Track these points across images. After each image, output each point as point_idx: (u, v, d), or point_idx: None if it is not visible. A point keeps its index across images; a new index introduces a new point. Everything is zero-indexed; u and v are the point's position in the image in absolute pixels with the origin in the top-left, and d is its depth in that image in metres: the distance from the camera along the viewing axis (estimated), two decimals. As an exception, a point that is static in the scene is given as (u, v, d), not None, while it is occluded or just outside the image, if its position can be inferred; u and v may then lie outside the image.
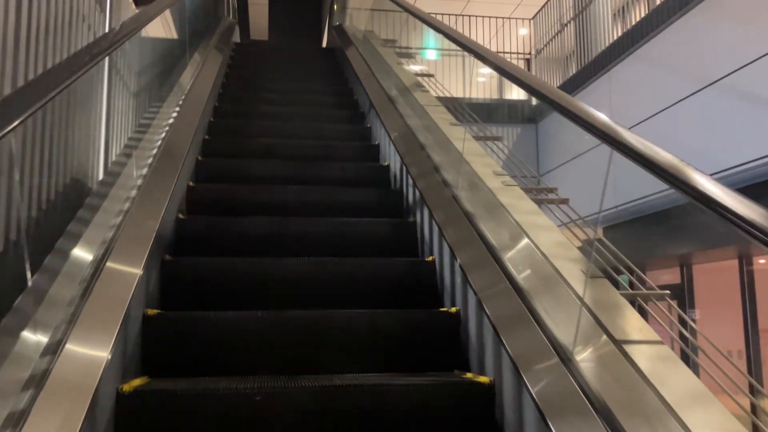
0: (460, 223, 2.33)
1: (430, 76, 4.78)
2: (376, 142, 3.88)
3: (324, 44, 10.34)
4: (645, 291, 1.88)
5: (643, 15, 7.05)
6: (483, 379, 1.87)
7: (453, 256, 2.24)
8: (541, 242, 2.07)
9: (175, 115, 3.12)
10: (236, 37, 7.24)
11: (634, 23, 7.10)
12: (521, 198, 2.47)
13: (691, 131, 5.88)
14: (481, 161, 2.86)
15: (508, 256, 2.04)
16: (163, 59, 3.62)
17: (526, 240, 2.11)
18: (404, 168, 3.14)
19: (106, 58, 3.02)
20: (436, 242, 2.51)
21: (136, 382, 1.76)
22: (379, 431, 1.76)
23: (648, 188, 6.49)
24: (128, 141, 2.91)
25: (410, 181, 3.00)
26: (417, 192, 2.85)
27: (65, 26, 2.56)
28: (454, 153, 2.96)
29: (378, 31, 7.27)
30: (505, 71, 2.36)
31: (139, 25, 2.73)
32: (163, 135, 2.88)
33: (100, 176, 2.84)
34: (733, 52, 5.38)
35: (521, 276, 1.91)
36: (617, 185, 7.23)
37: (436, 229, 2.49)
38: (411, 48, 7.93)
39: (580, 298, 1.63)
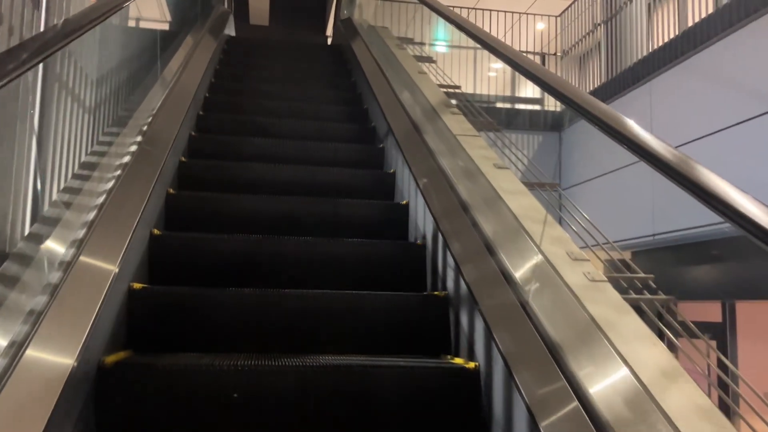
0: (545, 367, 1.51)
1: (456, 87, 4.03)
2: (404, 201, 2.84)
3: (328, 34, 9.48)
4: None
5: (695, 17, 6.20)
6: None
7: (533, 426, 1.43)
8: (671, 407, 1.31)
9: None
10: (231, 29, 6.36)
11: (685, 29, 6.25)
12: (622, 309, 1.67)
13: (754, 159, 5.07)
14: (549, 234, 2.05)
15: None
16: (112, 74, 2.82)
17: (652, 407, 1.33)
18: (440, 236, 2.32)
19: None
20: (500, 389, 1.68)
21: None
22: (364, 410, 1.72)
23: (692, 219, 5.72)
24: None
25: (451, 262, 2.18)
26: (463, 284, 2.03)
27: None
28: (509, 219, 2.15)
29: (390, 25, 6.43)
30: (521, 67, 2.23)
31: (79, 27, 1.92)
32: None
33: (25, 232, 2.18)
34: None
35: None
36: (654, 210, 6.43)
37: (499, 363, 1.67)
38: (425, 44, 7.12)
39: None
